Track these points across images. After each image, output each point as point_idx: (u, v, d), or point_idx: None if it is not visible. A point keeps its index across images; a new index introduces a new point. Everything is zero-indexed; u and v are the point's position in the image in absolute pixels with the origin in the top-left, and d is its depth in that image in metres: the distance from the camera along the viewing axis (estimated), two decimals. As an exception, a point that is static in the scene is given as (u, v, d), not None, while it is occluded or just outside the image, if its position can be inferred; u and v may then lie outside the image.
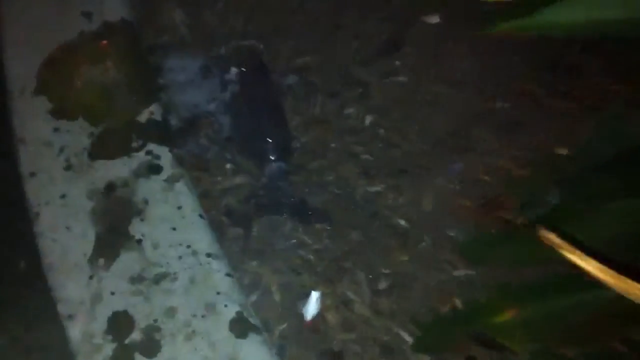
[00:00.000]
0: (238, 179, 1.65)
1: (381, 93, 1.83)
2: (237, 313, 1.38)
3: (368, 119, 1.78)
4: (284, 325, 1.51)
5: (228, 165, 1.68)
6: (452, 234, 1.61)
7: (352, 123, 1.79)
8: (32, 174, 1.51)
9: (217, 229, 1.56)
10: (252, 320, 1.39)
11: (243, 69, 1.77)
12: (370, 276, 1.56)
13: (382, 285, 1.54)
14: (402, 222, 1.62)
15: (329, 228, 1.62)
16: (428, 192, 1.67)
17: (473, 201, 1.63)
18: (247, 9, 1.98)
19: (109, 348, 1.33)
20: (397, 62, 1.89)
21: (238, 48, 1.90)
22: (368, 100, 1.82)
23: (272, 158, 1.65)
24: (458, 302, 1.52)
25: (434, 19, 1.95)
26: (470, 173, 1.67)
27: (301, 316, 1.50)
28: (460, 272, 1.55)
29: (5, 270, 1.64)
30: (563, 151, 1.63)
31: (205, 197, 1.61)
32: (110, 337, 1.34)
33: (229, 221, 1.59)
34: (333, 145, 1.74)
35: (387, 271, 1.57)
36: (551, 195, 1.47)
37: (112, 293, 1.39)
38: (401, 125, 1.77)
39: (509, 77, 1.79)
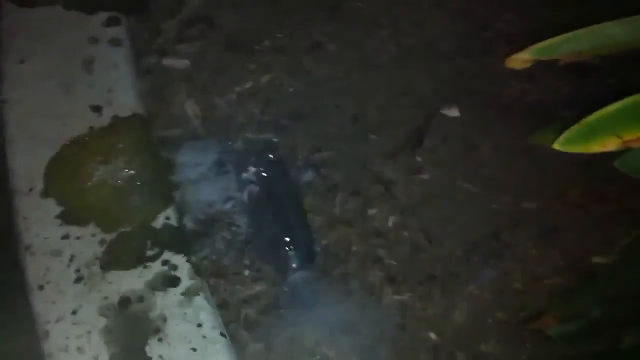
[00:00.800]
0: (258, 287, 1.56)
1: (405, 191, 1.72)
2: None
3: (392, 220, 1.69)
4: None
5: (247, 272, 1.58)
6: (486, 350, 1.48)
7: (375, 224, 1.67)
8: (41, 287, 1.41)
9: (237, 343, 1.45)
10: None
11: (261, 168, 1.64)
12: None
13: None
14: (432, 336, 1.52)
15: (355, 342, 1.47)
16: (460, 302, 1.56)
17: (509, 313, 1.51)
18: (262, 98, 1.91)
19: None
20: (419, 158, 1.78)
21: (253, 142, 1.80)
22: (392, 199, 1.71)
23: (294, 265, 1.53)
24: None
25: (454, 112, 1.88)
26: (506, 281, 1.56)
27: None
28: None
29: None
30: (602, 260, 1.53)
31: (223, 308, 1.52)
32: None
33: (249, 336, 1.48)
34: (356, 248, 1.65)
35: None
36: (592, 310, 1.39)
37: None
38: (428, 226, 1.66)
39: (540, 176, 1.70)
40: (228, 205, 1.67)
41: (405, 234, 1.69)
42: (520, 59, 1.31)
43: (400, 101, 1.90)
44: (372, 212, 1.72)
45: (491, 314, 1.56)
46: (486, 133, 1.83)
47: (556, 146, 1.08)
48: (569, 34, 1.31)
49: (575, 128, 1.10)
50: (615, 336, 1.40)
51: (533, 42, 1.32)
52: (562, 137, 1.08)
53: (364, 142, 1.84)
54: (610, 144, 1.11)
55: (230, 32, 2.04)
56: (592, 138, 1.10)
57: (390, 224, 1.70)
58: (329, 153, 1.81)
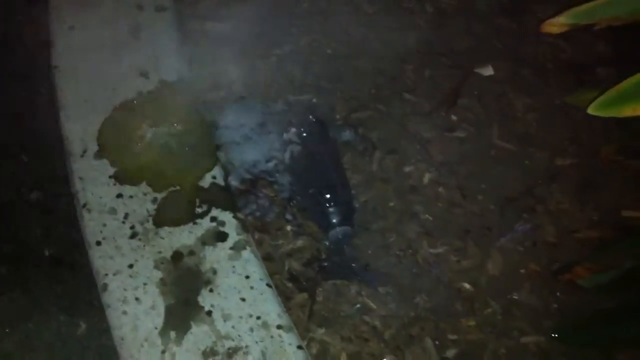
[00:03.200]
0: (300, 242, 1.64)
1: (441, 149, 1.78)
2: None
3: (427, 177, 1.75)
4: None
5: (289, 227, 1.67)
6: (519, 299, 1.55)
7: (412, 181, 1.74)
8: (98, 243, 1.50)
9: (282, 295, 1.53)
10: None
11: (302, 129, 1.72)
12: (438, 343, 1.51)
13: (451, 352, 1.53)
14: (467, 286, 1.59)
15: (393, 292, 1.56)
16: (493, 255, 1.63)
17: (541, 265, 1.58)
18: (302, 60, 1.96)
19: None
20: (454, 117, 1.84)
21: (294, 104, 1.87)
22: (427, 156, 1.77)
23: (335, 221, 1.61)
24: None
25: (488, 71, 1.92)
26: (539, 235, 1.62)
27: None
28: (528, 339, 1.52)
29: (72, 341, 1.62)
30: (635, 214, 1.59)
31: (268, 261, 1.60)
32: None
33: (294, 287, 1.57)
34: (393, 204, 1.71)
35: (454, 337, 1.55)
36: (625, 262, 1.44)
37: None
38: (463, 183, 1.72)
39: (575, 133, 1.74)
40: (270, 165, 1.75)
41: (441, 190, 1.75)
42: (557, 23, 1.34)
43: (436, 61, 1.94)
44: (408, 169, 1.78)
45: (524, 265, 1.62)
46: (521, 91, 1.86)
47: (590, 111, 1.13)
48: (607, -1, 1.34)
49: (608, 93, 1.14)
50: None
51: (569, 4, 1.35)
52: (595, 102, 1.13)
53: (400, 101, 1.90)
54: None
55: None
56: (625, 103, 1.14)
57: (426, 180, 1.77)
58: (367, 113, 1.87)
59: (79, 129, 1.71)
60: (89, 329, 1.60)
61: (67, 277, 1.67)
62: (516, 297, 1.57)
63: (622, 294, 1.50)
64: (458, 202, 1.71)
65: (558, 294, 1.56)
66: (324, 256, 1.63)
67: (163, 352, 1.37)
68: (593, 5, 1.33)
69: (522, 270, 1.60)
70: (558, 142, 1.75)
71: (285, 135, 1.77)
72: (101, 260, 1.49)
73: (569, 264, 1.55)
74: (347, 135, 1.81)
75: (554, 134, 1.77)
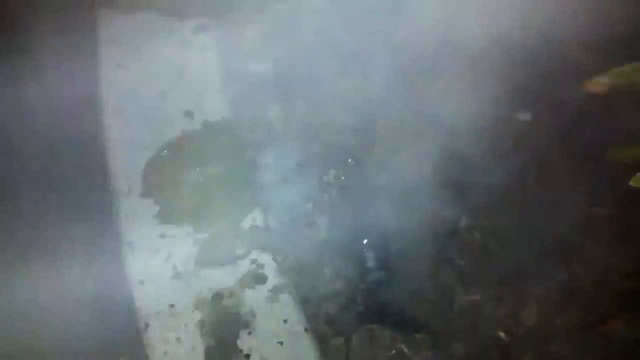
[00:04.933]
0: (337, 285, 1.66)
1: (477, 195, 1.79)
2: None
3: (464, 221, 1.76)
4: None
5: (326, 270, 1.67)
6: (554, 350, 1.56)
7: (447, 226, 1.75)
8: (141, 282, 1.54)
9: (319, 339, 1.56)
10: None
11: (340, 171, 1.76)
12: None
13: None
14: (503, 335, 1.59)
15: (429, 339, 1.57)
16: (529, 303, 1.63)
17: (577, 315, 1.59)
18: (340, 102, 1.98)
19: None
20: (491, 162, 1.85)
21: (332, 145, 1.90)
22: (464, 202, 1.78)
23: (371, 265, 1.63)
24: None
25: (526, 117, 1.94)
26: (574, 284, 1.63)
27: None
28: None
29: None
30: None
31: (305, 303, 1.62)
32: None
33: (330, 330, 1.59)
34: (429, 249, 1.71)
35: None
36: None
37: None
38: (499, 229, 1.73)
39: (611, 183, 1.75)
40: (309, 206, 1.78)
41: (477, 235, 1.75)
42: (598, 83, 1.37)
43: (473, 106, 1.96)
44: (444, 214, 1.78)
45: (559, 315, 1.62)
46: (558, 138, 1.87)
47: (632, 183, 1.16)
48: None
49: None
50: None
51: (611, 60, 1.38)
52: (637, 176, 1.16)
53: (437, 144, 1.90)
54: None
55: (310, 36, 2.11)
56: None
57: (462, 225, 1.77)
58: (404, 155, 1.88)
59: (125, 167, 1.76)
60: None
61: (109, 313, 1.69)
62: (552, 348, 1.56)
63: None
64: (494, 248, 1.70)
65: (594, 345, 1.55)
66: (359, 300, 1.63)
67: None
68: (634, 66, 1.35)
69: (558, 321, 1.58)
70: (594, 191, 1.75)
71: (324, 178, 1.79)
72: (143, 299, 1.53)
73: (603, 315, 1.55)
74: (383, 178, 1.83)
75: (589, 183, 1.77)
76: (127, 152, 1.75)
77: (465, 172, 1.85)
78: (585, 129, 1.84)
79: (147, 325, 1.46)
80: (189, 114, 1.81)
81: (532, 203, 1.78)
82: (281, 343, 1.42)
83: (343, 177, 1.75)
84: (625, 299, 1.60)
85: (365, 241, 1.63)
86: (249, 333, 1.44)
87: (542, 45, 2.01)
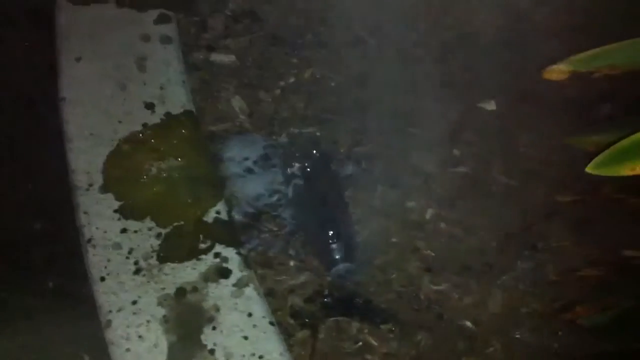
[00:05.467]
0: (303, 277, 1.67)
1: (443, 184, 1.80)
2: None
3: (430, 212, 1.77)
4: None
5: (292, 263, 1.68)
6: (520, 338, 1.57)
7: (414, 216, 1.75)
8: (102, 278, 1.52)
9: (285, 332, 1.55)
10: None
11: (305, 163, 1.74)
12: None
13: (453, 391, 1.50)
14: (469, 324, 1.60)
15: (395, 329, 1.57)
16: (495, 292, 1.64)
17: (542, 304, 1.60)
18: (305, 93, 1.99)
19: None
20: (457, 152, 1.85)
21: (297, 136, 1.89)
22: (430, 191, 1.79)
23: (337, 257, 1.62)
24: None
25: (491, 106, 1.94)
26: (539, 273, 1.64)
27: None
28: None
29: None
30: (635, 253, 1.61)
31: (271, 297, 1.62)
32: None
33: (296, 323, 1.59)
34: (395, 239, 1.72)
35: (456, 376, 1.52)
36: (624, 302, 1.46)
37: None
38: (465, 218, 1.74)
39: (576, 170, 1.76)
40: (274, 199, 1.77)
41: (443, 225, 1.77)
42: (557, 70, 1.38)
43: (439, 95, 1.96)
44: (410, 204, 1.79)
45: (525, 303, 1.63)
46: (522, 127, 1.88)
47: (589, 170, 1.16)
48: (605, 47, 1.38)
49: (606, 153, 1.18)
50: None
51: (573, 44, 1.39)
52: (594, 162, 1.17)
53: (403, 135, 1.91)
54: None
55: (274, 26, 2.11)
56: (623, 162, 1.18)
57: (428, 216, 1.78)
58: (369, 146, 1.89)
59: (85, 161, 1.73)
60: (93, 365, 1.58)
61: (70, 310, 1.67)
62: (517, 336, 1.58)
63: (622, 335, 1.51)
64: (460, 237, 1.71)
65: (559, 333, 1.57)
66: (326, 292, 1.64)
67: None
68: (591, 53, 1.36)
69: (524, 310, 1.59)
70: (558, 178, 1.76)
71: (289, 170, 1.78)
72: (105, 296, 1.51)
73: (569, 304, 1.56)
74: (349, 169, 1.83)
75: (554, 170, 1.78)
76: (86, 147, 1.72)
77: (432, 162, 1.83)
78: (548, 117, 1.85)
79: (109, 322, 1.44)
80: (150, 106, 1.78)
81: (497, 192, 1.78)
82: (246, 337, 1.41)
83: (308, 169, 1.72)
84: (590, 287, 1.61)
85: (330, 233, 1.60)
86: (213, 328, 1.42)
87: (506, 34, 2.01)
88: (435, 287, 1.66)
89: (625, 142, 1.20)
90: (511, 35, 2.05)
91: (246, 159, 1.85)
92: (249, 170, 1.82)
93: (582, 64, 1.35)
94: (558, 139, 1.83)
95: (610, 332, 1.52)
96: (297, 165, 1.79)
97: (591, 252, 1.67)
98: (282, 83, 2.01)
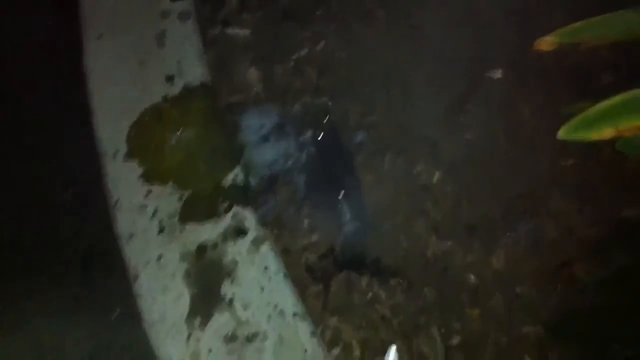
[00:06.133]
0: (315, 237, 1.76)
1: (449, 150, 1.89)
2: None
3: (437, 176, 1.86)
4: (365, 379, 1.54)
5: (305, 223, 1.77)
6: (521, 292, 1.67)
7: (421, 181, 1.85)
8: (130, 237, 1.63)
9: (299, 286, 1.66)
10: None
11: (317, 131, 1.85)
12: (443, 331, 1.62)
13: (455, 340, 1.63)
14: (473, 278, 1.69)
15: (403, 284, 1.68)
16: (498, 251, 1.73)
17: (543, 261, 1.69)
18: (317, 65, 2.08)
19: None
20: (463, 119, 1.95)
21: (310, 106, 1.99)
22: (436, 157, 1.88)
23: (348, 218, 1.73)
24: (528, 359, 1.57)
25: (497, 74, 2.03)
26: (540, 233, 1.74)
27: (381, 371, 1.56)
28: (528, 329, 1.63)
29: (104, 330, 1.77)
30: (633, 213, 1.69)
31: (286, 254, 1.72)
32: None
33: (309, 278, 1.69)
34: (403, 202, 1.82)
35: (459, 327, 1.64)
36: (622, 260, 1.55)
37: (209, 351, 1.52)
38: (470, 183, 1.84)
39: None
40: (288, 164, 1.88)
41: (449, 189, 1.86)
42: (547, 42, 1.46)
43: (446, 66, 2.05)
44: (418, 169, 1.89)
45: (526, 261, 1.73)
46: (526, 96, 1.97)
47: (561, 135, 1.26)
48: (590, 20, 1.45)
49: (577, 119, 1.27)
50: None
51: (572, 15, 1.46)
52: (565, 127, 1.26)
53: (411, 105, 2.00)
54: (606, 134, 1.28)
55: (287, 1, 2.20)
56: (591, 128, 1.27)
57: (435, 180, 1.88)
58: (379, 116, 1.98)
59: (110, 131, 1.85)
60: (123, 314, 1.71)
61: (101, 269, 1.79)
62: (518, 291, 1.67)
63: (619, 290, 1.60)
64: (465, 200, 1.81)
65: (558, 289, 1.66)
66: (337, 250, 1.73)
67: (188, 337, 1.51)
68: (577, 26, 1.45)
69: (525, 266, 1.69)
70: (560, 144, 1.84)
71: (301, 137, 1.87)
72: (132, 253, 1.63)
73: (568, 261, 1.66)
74: (359, 137, 1.92)
75: (556, 138, 1.85)
76: (111, 118, 1.83)
77: (439, 130, 1.92)
78: (550, 86, 1.93)
79: (137, 277, 1.55)
80: (169, 79, 1.89)
81: (501, 157, 1.87)
82: (262, 289, 1.52)
83: (320, 137, 1.82)
84: (589, 246, 1.70)
85: (341, 196, 1.71)
86: (232, 281, 1.54)
87: (513, 6, 2.08)
88: (441, 246, 1.75)
89: (595, 109, 1.28)
90: (519, 7, 2.11)
91: (261, 127, 1.96)
92: (264, 138, 1.93)
93: (567, 36, 1.43)
94: (560, 107, 1.90)
95: (608, 288, 1.61)
96: (309, 133, 1.88)
97: (590, 213, 1.75)
98: (295, 56, 2.11)
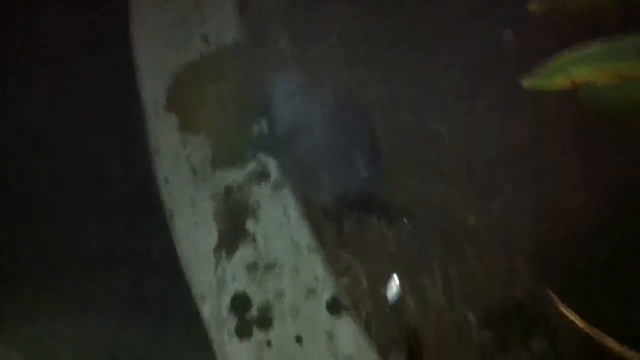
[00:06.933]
0: (331, 181, 1.99)
1: (452, 101, 2.09)
2: (332, 296, 1.74)
3: (444, 128, 2.06)
4: (370, 306, 1.83)
5: (323, 169, 2.01)
6: (518, 232, 1.88)
7: (428, 134, 2.06)
8: (166, 179, 1.91)
9: (314, 224, 1.90)
10: (344, 301, 1.75)
11: (337, 87, 2.08)
12: (442, 265, 1.85)
13: (451, 271, 1.84)
14: (473, 220, 1.91)
15: (408, 224, 1.92)
16: (498, 196, 1.93)
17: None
18: (340, 34, 2.29)
19: (232, 322, 1.73)
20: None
21: (332, 65, 2.22)
22: (442, 109, 2.09)
23: (362, 165, 1.96)
24: (517, 291, 1.80)
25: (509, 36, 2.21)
26: (541, 178, 1.95)
27: (385, 298, 1.82)
28: (522, 266, 1.83)
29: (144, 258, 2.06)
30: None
31: (304, 197, 1.95)
32: (233, 313, 1.73)
33: (324, 217, 1.93)
34: (413, 152, 2.04)
35: (457, 262, 1.86)
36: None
37: (234, 278, 1.78)
38: (471, 132, 2.04)
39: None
40: (310, 119, 2.11)
41: (454, 140, 2.06)
42: (535, 6, 1.61)
43: (458, 26, 2.23)
44: (427, 125, 2.09)
45: (525, 202, 1.93)
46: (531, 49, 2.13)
47: (525, 84, 1.43)
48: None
49: (538, 69, 1.42)
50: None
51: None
52: (528, 77, 1.41)
53: (423, 55, 2.21)
54: (562, 83, 1.44)
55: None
56: (550, 78, 1.43)
57: (443, 131, 2.08)
58: (392, 73, 2.18)
59: (152, 86, 2.11)
60: (162, 248, 2.00)
61: (142, 208, 2.08)
62: (515, 232, 1.88)
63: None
64: (468, 154, 2.01)
65: (554, 225, 1.86)
66: (351, 193, 1.96)
67: (216, 266, 1.78)
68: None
69: (523, 209, 1.89)
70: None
71: (323, 93, 2.10)
72: (168, 194, 1.91)
73: (564, 200, 1.87)
74: (374, 92, 2.14)
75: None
76: (153, 74, 2.09)
77: (443, 79, 2.12)
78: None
79: (172, 215, 1.83)
80: (205, 38, 2.13)
81: (500, 106, 2.06)
82: (281, 225, 1.76)
83: (339, 92, 2.05)
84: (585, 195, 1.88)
85: (356, 146, 1.94)
86: (255, 219, 1.79)
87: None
88: (444, 190, 1.96)
89: (552, 61, 1.46)
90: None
91: (287, 84, 2.19)
92: (290, 94, 2.16)
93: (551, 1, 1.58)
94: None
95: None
96: (330, 88, 2.11)
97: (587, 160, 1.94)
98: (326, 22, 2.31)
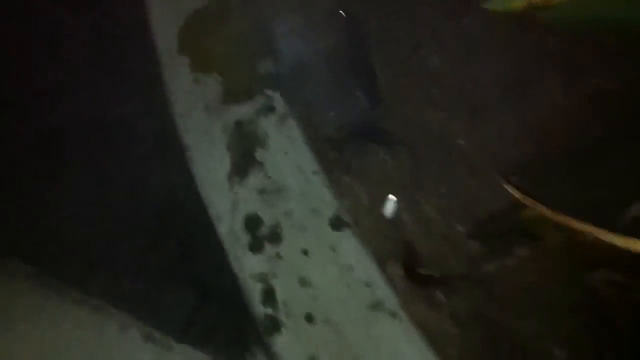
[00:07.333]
0: (333, 112, 2.18)
1: (450, 38, 2.26)
2: (335, 213, 1.95)
3: (439, 65, 2.24)
4: (370, 222, 2.03)
5: (325, 103, 2.19)
6: (504, 151, 2.07)
7: (426, 66, 2.24)
8: (181, 115, 2.12)
9: (318, 151, 2.10)
10: (345, 218, 1.95)
11: (340, 25, 2.25)
12: (435, 185, 2.06)
13: (443, 189, 2.05)
14: (462, 142, 2.10)
15: (404, 149, 2.12)
16: (490, 124, 2.12)
17: (531, 137, 2.06)
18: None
19: (246, 239, 1.96)
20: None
21: (333, 4, 2.39)
22: (439, 48, 2.26)
23: (362, 98, 2.15)
24: (501, 204, 1.99)
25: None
26: (526, 103, 2.11)
27: (382, 215, 2.03)
28: (510, 187, 2.02)
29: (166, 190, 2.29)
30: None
31: (308, 127, 2.15)
32: (246, 231, 1.96)
33: (327, 145, 2.13)
34: (412, 86, 2.22)
35: (446, 183, 2.07)
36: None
37: (246, 201, 2.01)
38: (468, 69, 2.21)
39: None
40: (313, 56, 2.29)
41: (446, 70, 2.24)
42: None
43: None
44: (423, 54, 2.26)
45: (516, 127, 2.12)
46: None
47: (488, 6, 1.59)
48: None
49: None
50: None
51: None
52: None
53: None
54: (519, 3, 1.60)
55: None
56: (510, 1, 1.58)
57: (442, 68, 2.25)
58: (393, 9, 2.35)
59: (164, 27, 2.31)
60: (183, 182, 2.21)
61: (163, 141, 2.30)
62: (500, 150, 2.07)
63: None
64: (461, 79, 2.19)
65: (544, 155, 2.05)
66: (352, 124, 2.16)
67: (230, 190, 2.00)
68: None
69: (509, 132, 2.08)
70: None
71: (326, 30, 2.27)
72: (185, 130, 2.12)
73: (555, 137, 2.01)
74: (374, 28, 2.31)
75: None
76: (165, 16, 2.30)
77: (444, 23, 2.29)
78: None
79: (188, 145, 2.06)
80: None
81: (497, 49, 2.22)
82: (286, 153, 1.98)
83: (341, 30, 2.23)
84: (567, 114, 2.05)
85: (357, 80, 2.13)
86: (264, 148, 2.00)
87: None
88: (438, 117, 2.15)
89: None
90: None
91: (292, 21, 2.36)
92: (293, 32, 2.34)
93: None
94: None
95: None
96: (332, 27, 2.29)
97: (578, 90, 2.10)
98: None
